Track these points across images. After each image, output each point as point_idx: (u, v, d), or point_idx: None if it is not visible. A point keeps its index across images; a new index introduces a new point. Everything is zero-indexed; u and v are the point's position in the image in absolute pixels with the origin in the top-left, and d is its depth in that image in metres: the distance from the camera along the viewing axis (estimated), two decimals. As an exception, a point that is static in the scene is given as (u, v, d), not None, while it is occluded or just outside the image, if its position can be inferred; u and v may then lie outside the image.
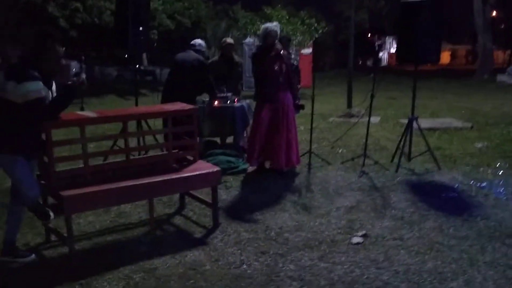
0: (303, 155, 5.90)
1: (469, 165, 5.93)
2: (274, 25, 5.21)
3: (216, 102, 6.03)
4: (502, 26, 34.64)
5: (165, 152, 4.19)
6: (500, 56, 37.97)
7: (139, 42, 5.78)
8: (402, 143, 5.87)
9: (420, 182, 5.28)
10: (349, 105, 11.73)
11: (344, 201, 4.67)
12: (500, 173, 5.54)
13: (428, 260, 3.40)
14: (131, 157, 3.94)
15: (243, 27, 15.98)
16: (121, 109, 4.49)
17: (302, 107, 5.58)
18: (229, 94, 6.19)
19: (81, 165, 3.67)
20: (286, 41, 7.78)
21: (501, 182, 5.19)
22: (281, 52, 5.17)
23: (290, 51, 16.06)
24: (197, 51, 5.79)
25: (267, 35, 5.15)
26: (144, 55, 20.32)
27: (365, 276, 3.20)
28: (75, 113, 3.88)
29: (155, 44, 16.34)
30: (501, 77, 21.20)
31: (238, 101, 6.18)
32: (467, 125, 9.22)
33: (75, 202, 3.34)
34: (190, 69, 5.58)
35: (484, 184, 5.15)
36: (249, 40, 17.10)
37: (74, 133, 4.24)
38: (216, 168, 4.00)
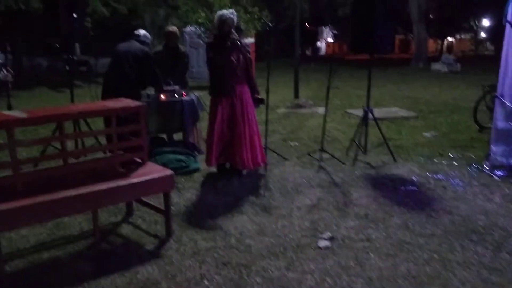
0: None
1: (423, 156, 5.90)
2: (230, 12, 4.81)
3: (163, 96, 5.57)
4: (434, 16, 36.06)
5: (109, 155, 3.73)
6: (432, 45, 39.62)
7: (73, 30, 5.22)
8: (358, 135, 5.72)
9: (378, 176, 5.15)
10: (296, 95, 11.57)
11: (304, 200, 4.43)
12: (453, 164, 5.53)
13: (400, 263, 3.22)
14: (70, 162, 3.45)
15: (183, 15, 15.33)
16: (56, 107, 3.93)
17: (262, 101, 5.22)
18: (177, 87, 5.75)
19: (10, 174, 3.15)
20: (237, 30, 7.44)
21: (456, 173, 5.17)
22: (238, 42, 4.80)
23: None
24: (142, 42, 5.32)
25: (223, 23, 4.76)
26: (77, 44, 19.11)
27: (338, 286, 2.96)
28: (1, 113, 3.33)
29: (91, 33, 15.35)
30: (435, 66, 21.95)
31: (186, 94, 5.75)
32: (412, 114, 9.34)
33: (3, 219, 2.84)
34: (134, 60, 5.11)
35: (440, 175, 5.10)
36: (190, 29, 16.51)
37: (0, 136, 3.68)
38: (168, 172, 3.59)
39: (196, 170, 5.17)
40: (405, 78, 18.67)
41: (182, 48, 6.49)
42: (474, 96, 12.63)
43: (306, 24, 36.46)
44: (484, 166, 5.25)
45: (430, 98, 12.20)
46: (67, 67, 6.78)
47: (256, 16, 15.08)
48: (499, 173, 5.05)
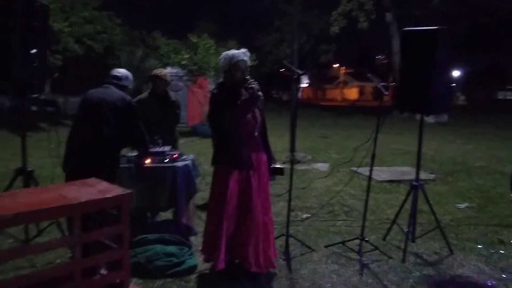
0: (277, 238, 4.17)
1: (479, 243, 4.64)
2: (242, 53, 3.55)
3: (148, 161, 4.17)
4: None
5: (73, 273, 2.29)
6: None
7: (32, 68, 3.85)
8: (408, 216, 4.44)
9: (442, 278, 3.81)
10: (292, 148, 10.30)
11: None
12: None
13: None
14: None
15: (165, 55, 14.15)
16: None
17: (281, 171, 3.89)
18: (167, 148, 4.37)
19: None
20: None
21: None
22: (257, 92, 3.51)
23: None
24: (122, 88, 3.96)
25: (235, 67, 3.49)
26: (47, 82, 17.58)
27: None
28: None
29: (57, 74, 13.91)
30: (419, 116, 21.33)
31: (179, 156, 4.37)
32: (429, 176, 8.20)
33: None
34: (111, 112, 3.73)
35: (520, 278, 3.82)
36: (170, 70, 15.32)
37: None
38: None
39: (193, 268, 3.72)
40: (394, 128, 17.82)
41: (172, 95, 5.18)
42: (479, 153, 11.93)
43: (280, 70, 36.15)
44: None
45: (433, 154, 11.18)
46: (33, 108, 5.40)
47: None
48: None
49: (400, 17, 24.07)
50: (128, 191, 2.31)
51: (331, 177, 8.12)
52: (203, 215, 5.21)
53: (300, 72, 4.06)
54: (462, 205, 6.23)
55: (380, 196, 6.74)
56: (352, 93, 54.67)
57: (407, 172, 8.52)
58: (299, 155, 9.72)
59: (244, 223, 3.45)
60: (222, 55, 3.63)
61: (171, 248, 3.73)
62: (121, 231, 2.26)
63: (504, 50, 30.36)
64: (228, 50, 12.66)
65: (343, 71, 55.20)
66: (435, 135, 15.20)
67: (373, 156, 4.27)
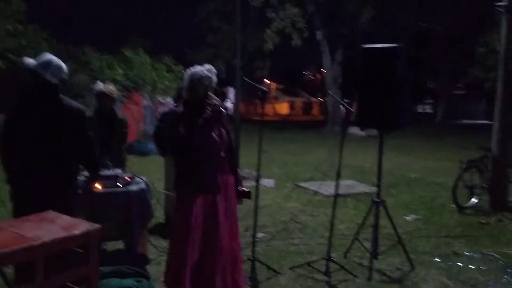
0: (246, 261, 3.93)
1: (435, 255, 4.71)
2: (207, 69, 3.34)
3: (98, 185, 3.80)
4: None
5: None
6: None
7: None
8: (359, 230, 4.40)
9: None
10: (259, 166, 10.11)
11: None
12: (483, 269, 4.37)
13: None
14: None
15: (98, 70, 13.48)
16: None
17: (247, 195, 3.69)
18: (119, 171, 4.03)
19: None
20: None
21: (498, 285, 4.00)
22: (221, 108, 3.30)
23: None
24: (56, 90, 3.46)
25: (197, 84, 3.28)
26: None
27: None
28: None
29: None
30: (352, 130, 22.05)
31: (131, 179, 4.04)
32: (371, 189, 8.35)
33: None
34: (62, 127, 3.29)
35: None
36: (99, 85, 14.64)
37: None
38: None
39: (155, 301, 3.41)
40: (329, 142, 18.24)
41: (119, 113, 4.83)
42: (412, 165, 12.46)
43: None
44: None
45: (370, 166, 11.47)
46: None
47: (180, 75, 13.75)
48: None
49: (329, 35, 24.96)
50: (97, 226, 2.02)
51: (279, 192, 8.05)
52: (155, 240, 4.90)
53: (264, 89, 3.92)
54: (410, 217, 6.38)
55: (329, 211, 6.61)
56: (283, 108, 55.71)
57: (351, 185, 8.65)
58: (244, 171, 9.56)
59: (210, 251, 3.21)
60: (186, 71, 3.41)
61: (128, 281, 3.39)
62: (89, 273, 1.96)
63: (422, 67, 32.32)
64: (164, 65, 12.35)
65: (274, 86, 56.23)
66: (368, 148, 15.66)
67: (338, 174, 4.20)
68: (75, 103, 3.37)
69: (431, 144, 17.35)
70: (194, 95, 3.30)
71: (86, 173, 3.83)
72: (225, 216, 3.26)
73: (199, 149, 3.21)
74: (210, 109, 3.25)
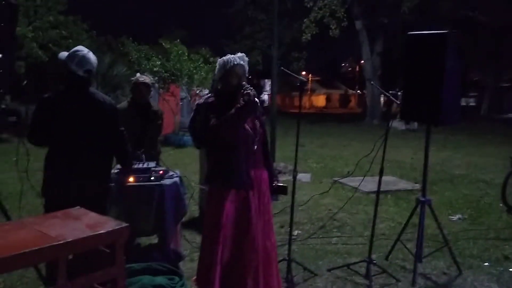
0: (280, 261, 3.76)
1: (484, 260, 4.40)
2: (238, 57, 3.16)
3: (131, 178, 3.72)
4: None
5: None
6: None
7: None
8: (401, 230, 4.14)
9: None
10: (273, 157, 9.96)
11: None
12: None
13: None
14: None
15: (136, 62, 13.58)
16: None
17: (284, 190, 3.51)
18: (152, 164, 3.93)
19: None
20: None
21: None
22: (254, 98, 3.10)
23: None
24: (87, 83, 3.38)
25: (230, 73, 3.11)
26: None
27: None
28: None
29: (25, 82, 13.09)
30: (392, 123, 21.48)
31: (165, 173, 3.93)
32: (414, 186, 8.01)
33: None
34: (98, 121, 3.23)
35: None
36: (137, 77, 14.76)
37: None
38: None
39: (187, 301, 3.30)
40: (367, 136, 17.80)
41: (154, 105, 4.74)
42: (456, 161, 11.93)
43: (249, 76, 35.98)
44: None
45: (411, 162, 11.07)
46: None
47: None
48: None
49: (369, 25, 24.31)
50: (124, 224, 1.90)
51: (315, 188, 7.83)
52: (189, 235, 4.81)
53: (303, 79, 3.73)
54: (455, 217, 6.04)
55: (369, 208, 6.45)
56: (319, 101, 55.02)
57: (391, 182, 8.31)
58: (280, 165, 9.38)
59: (243, 250, 3.05)
60: (218, 61, 3.24)
61: (160, 279, 3.29)
62: (116, 275, 1.84)
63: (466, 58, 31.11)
64: (202, 56, 12.23)
65: (311, 78, 55.60)
66: (408, 142, 15.17)
67: (381, 170, 3.96)
68: (107, 98, 3.30)
69: (475, 138, 16.59)
70: (227, 85, 3.13)
71: (118, 166, 3.76)
72: (258, 213, 3.09)
73: (231, 142, 3.05)
74: (244, 99, 3.07)
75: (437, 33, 3.64)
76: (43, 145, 3.11)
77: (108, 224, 1.91)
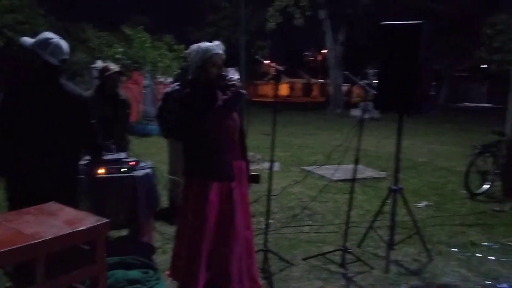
0: (257, 252, 3.72)
1: (450, 245, 4.53)
2: (216, 45, 3.07)
3: (101, 170, 3.58)
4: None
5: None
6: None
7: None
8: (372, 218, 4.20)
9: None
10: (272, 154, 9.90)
11: None
12: (503, 261, 4.18)
13: None
14: None
15: (97, 49, 13.13)
16: None
17: (256, 178, 3.48)
18: (123, 155, 3.80)
19: None
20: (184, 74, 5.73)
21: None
22: (240, 89, 3.02)
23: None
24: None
25: (209, 62, 3.01)
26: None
27: None
28: None
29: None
30: (354, 112, 21.84)
31: (137, 164, 3.81)
32: (381, 174, 8.15)
33: None
34: (66, 112, 3.07)
35: (504, 284, 3.71)
36: (99, 64, 14.30)
37: None
38: None
39: (163, 294, 3.21)
40: (331, 125, 18.03)
41: (122, 94, 4.58)
42: (418, 149, 12.23)
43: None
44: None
45: (375, 150, 11.28)
46: None
47: (181, 54, 13.39)
48: None
49: (333, 14, 24.48)
50: (104, 220, 1.80)
51: (284, 176, 7.85)
52: (160, 227, 4.70)
53: (280, 68, 3.68)
54: (422, 204, 6.19)
55: (339, 197, 6.53)
56: (282, 89, 55.20)
57: (358, 170, 8.25)
58: (249, 154, 9.34)
59: (226, 241, 3.01)
60: (191, 48, 3.13)
61: (134, 273, 3.20)
62: (98, 273, 1.75)
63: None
64: (166, 44, 11.92)
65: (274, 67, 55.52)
66: (372, 131, 15.40)
67: (356, 159, 3.99)
68: (77, 89, 3.14)
69: (435, 127, 17.08)
70: (206, 75, 3.04)
71: (88, 157, 3.61)
72: (240, 204, 3.05)
73: (216, 135, 2.97)
74: (231, 90, 2.98)
75: (411, 23, 3.66)
76: (8, 138, 2.93)
77: (87, 220, 1.81)
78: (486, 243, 4.58)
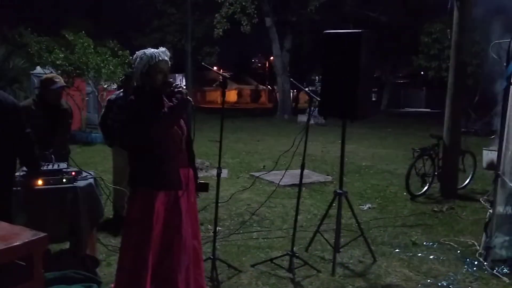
0: (205, 260, 3.68)
1: (393, 246, 4.69)
2: (162, 52, 3.02)
3: (39, 181, 3.41)
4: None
5: None
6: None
7: None
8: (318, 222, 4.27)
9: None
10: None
11: None
12: (442, 259, 4.36)
13: None
14: None
15: (36, 54, 12.56)
16: None
17: (204, 187, 3.45)
18: (63, 165, 3.64)
19: None
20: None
21: (457, 276, 4.00)
22: (187, 96, 2.98)
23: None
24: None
25: (154, 69, 2.96)
26: None
27: None
28: None
29: None
30: (301, 118, 22.22)
31: (78, 174, 3.67)
32: (328, 178, 8.32)
33: None
34: None
35: (443, 281, 3.88)
36: (39, 70, 13.72)
37: None
38: None
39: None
40: (279, 130, 18.22)
41: (63, 103, 4.40)
42: (361, 153, 12.61)
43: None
44: (481, 260, 4.20)
45: (321, 155, 11.56)
46: None
47: (127, 60, 13.08)
48: (505, 270, 4.03)
49: (279, 22, 24.85)
50: (42, 234, 1.72)
51: (233, 183, 7.84)
52: (104, 238, 4.55)
53: (226, 75, 3.68)
54: (365, 207, 6.38)
55: (286, 201, 6.61)
56: (231, 96, 55.31)
57: (305, 175, 8.45)
58: (197, 161, 9.26)
59: (172, 251, 2.95)
60: (137, 54, 3.07)
61: (77, 287, 3.07)
62: (33, 290, 1.67)
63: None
64: (109, 49, 11.61)
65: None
66: (317, 137, 15.76)
67: (302, 165, 4.06)
68: (10, 97, 2.99)
69: (377, 132, 17.67)
70: (152, 82, 2.98)
71: (24, 169, 3.44)
72: (188, 213, 3.01)
73: (162, 142, 2.91)
74: (177, 97, 2.94)
75: (353, 32, 3.78)
76: None
77: (23, 235, 1.71)
78: (426, 243, 4.78)
